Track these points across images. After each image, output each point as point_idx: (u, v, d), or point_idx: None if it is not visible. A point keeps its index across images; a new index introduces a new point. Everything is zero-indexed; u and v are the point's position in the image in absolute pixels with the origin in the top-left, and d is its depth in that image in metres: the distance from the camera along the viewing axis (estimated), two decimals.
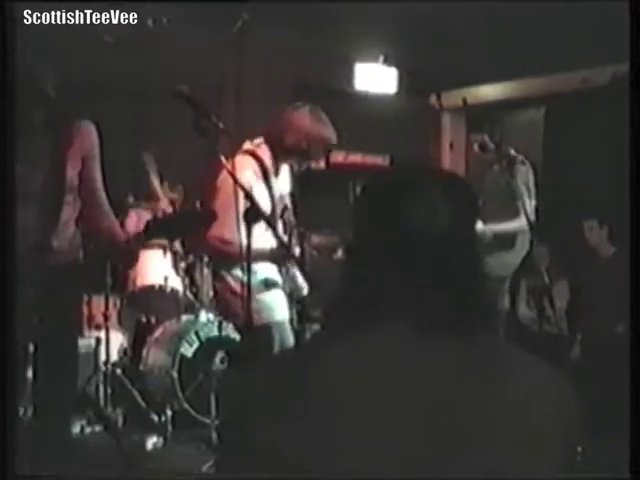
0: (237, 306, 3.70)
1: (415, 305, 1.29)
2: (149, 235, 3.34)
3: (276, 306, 3.74)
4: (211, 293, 5.57)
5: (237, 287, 3.73)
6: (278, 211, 3.79)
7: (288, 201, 3.90)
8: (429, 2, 5.48)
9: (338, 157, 7.04)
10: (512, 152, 4.97)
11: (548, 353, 1.70)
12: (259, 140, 3.80)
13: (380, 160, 7.20)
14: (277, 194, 3.77)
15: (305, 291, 3.90)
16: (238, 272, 3.69)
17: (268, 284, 3.69)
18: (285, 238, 3.77)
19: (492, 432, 1.24)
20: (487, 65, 6.48)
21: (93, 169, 3.56)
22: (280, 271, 3.78)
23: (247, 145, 3.80)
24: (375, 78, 7.27)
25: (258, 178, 3.69)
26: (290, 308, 3.86)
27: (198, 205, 3.22)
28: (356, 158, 7.11)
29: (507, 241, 4.71)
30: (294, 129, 3.76)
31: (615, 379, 2.76)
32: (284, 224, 3.86)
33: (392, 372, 1.25)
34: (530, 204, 4.75)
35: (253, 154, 3.73)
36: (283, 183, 3.87)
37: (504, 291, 5.16)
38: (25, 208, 3.23)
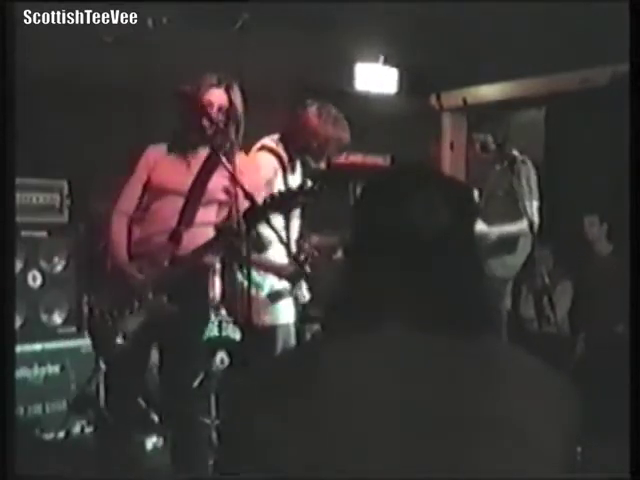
0: (245, 305, 3.70)
1: (415, 305, 1.29)
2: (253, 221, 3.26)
3: (283, 309, 3.74)
4: (211, 293, 5.57)
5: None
6: (293, 210, 3.78)
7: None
8: (429, 2, 5.48)
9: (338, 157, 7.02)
10: (515, 152, 4.95)
11: (549, 353, 1.70)
12: (276, 136, 3.79)
13: (380, 160, 7.18)
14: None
15: (308, 297, 3.90)
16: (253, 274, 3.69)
17: (274, 297, 3.69)
18: (294, 246, 3.76)
19: (492, 432, 1.24)
20: (487, 65, 6.47)
21: None
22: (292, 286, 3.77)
23: (266, 141, 3.77)
24: (375, 78, 7.26)
25: (278, 174, 3.68)
26: (295, 311, 3.86)
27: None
28: (356, 158, 7.09)
29: (510, 243, 4.69)
30: (304, 129, 3.75)
31: (615, 379, 2.76)
32: (300, 225, 3.85)
33: (392, 372, 1.25)
34: (532, 205, 4.73)
35: (272, 150, 3.72)
36: (297, 182, 3.86)
37: (506, 292, 5.16)
38: None
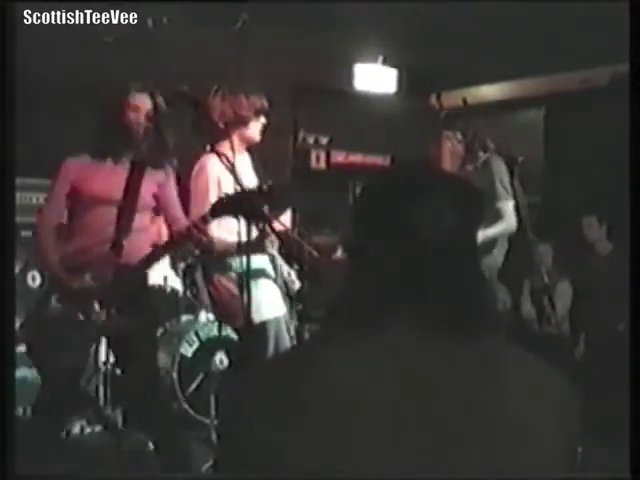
0: (232, 306, 3.70)
1: (416, 306, 1.29)
2: (216, 214, 3.27)
3: (271, 302, 3.74)
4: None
5: (230, 286, 3.74)
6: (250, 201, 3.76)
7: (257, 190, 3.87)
8: (429, 2, 5.48)
9: (338, 157, 7.03)
10: (480, 153, 4.89)
11: (549, 353, 1.70)
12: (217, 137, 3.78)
13: (380, 160, 7.19)
14: (245, 184, 3.74)
15: (297, 285, 3.89)
16: (229, 272, 3.70)
17: (258, 274, 3.66)
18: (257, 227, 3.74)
19: (493, 432, 1.24)
20: (487, 65, 6.47)
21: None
22: (272, 262, 3.77)
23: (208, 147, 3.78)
24: (375, 78, 7.27)
25: (224, 171, 3.65)
26: (285, 304, 3.85)
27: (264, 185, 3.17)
28: (356, 158, 7.09)
29: (487, 244, 4.61)
30: (210, 110, 3.74)
31: (615, 378, 2.76)
32: (258, 216, 3.82)
33: (393, 373, 1.25)
34: (508, 205, 4.65)
35: (214, 151, 3.69)
36: (249, 174, 3.86)
37: (504, 293, 5.16)
38: None
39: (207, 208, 3.33)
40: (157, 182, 3.57)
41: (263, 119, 3.93)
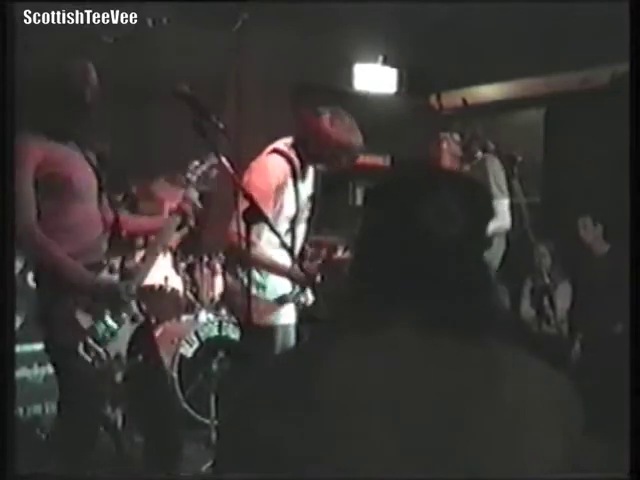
0: (243, 302, 3.69)
1: (419, 307, 1.29)
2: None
3: (284, 309, 3.73)
4: (211, 293, 5.58)
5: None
6: (302, 215, 3.75)
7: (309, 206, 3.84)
8: (428, 2, 5.48)
9: None
10: (479, 152, 4.92)
11: (549, 353, 1.69)
12: (289, 140, 3.75)
13: (380, 160, 7.19)
14: (303, 198, 3.74)
15: (311, 300, 3.89)
16: (254, 274, 3.66)
17: (281, 301, 3.68)
18: (298, 245, 3.75)
19: (494, 432, 1.24)
20: (487, 65, 6.47)
21: None
22: (293, 286, 3.75)
23: (279, 144, 3.74)
24: (375, 78, 7.26)
25: (288, 179, 3.65)
26: (296, 312, 3.85)
27: None
28: None
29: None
30: (317, 135, 3.68)
31: (615, 378, 2.76)
32: (306, 230, 3.83)
33: (396, 373, 1.25)
34: (503, 204, 4.68)
35: (284, 154, 3.69)
36: (308, 187, 3.82)
37: (504, 292, 5.16)
38: None
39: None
40: None
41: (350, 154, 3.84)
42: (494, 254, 4.77)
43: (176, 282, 5.54)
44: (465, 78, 6.64)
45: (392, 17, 5.76)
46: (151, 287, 5.48)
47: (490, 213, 1.41)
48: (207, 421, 4.52)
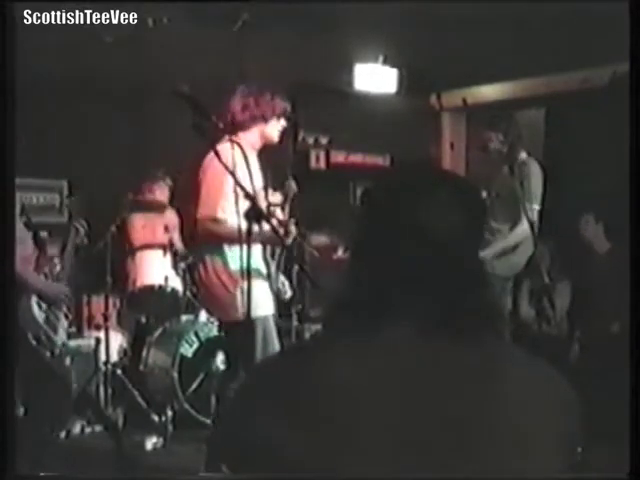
0: (220, 295, 3.70)
1: (417, 308, 1.29)
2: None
3: (260, 301, 3.72)
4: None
5: (221, 273, 3.72)
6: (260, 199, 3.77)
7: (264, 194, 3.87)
8: (428, 2, 5.48)
9: (338, 157, 7.04)
10: (522, 154, 4.96)
11: (549, 353, 1.69)
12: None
13: (380, 160, 7.19)
14: (256, 181, 3.74)
15: (289, 294, 3.89)
16: (224, 258, 3.68)
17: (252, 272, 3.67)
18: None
19: (494, 433, 1.24)
20: (487, 65, 6.47)
21: None
22: (267, 265, 3.76)
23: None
24: (375, 78, 7.26)
25: (240, 161, 3.65)
26: (275, 304, 3.84)
27: None
28: (356, 158, 7.10)
29: (513, 245, 4.69)
30: (238, 109, 3.79)
31: (614, 378, 2.76)
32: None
33: (394, 374, 1.25)
34: (532, 209, 4.72)
35: (232, 140, 3.70)
36: (257, 173, 3.85)
37: (507, 292, 5.16)
38: None
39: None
40: None
41: (283, 121, 3.96)
42: (521, 253, 4.81)
43: (176, 282, 5.54)
44: (465, 78, 6.64)
45: (392, 17, 5.75)
46: (151, 287, 5.49)
47: (484, 213, 1.42)
48: (207, 421, 4.52)
